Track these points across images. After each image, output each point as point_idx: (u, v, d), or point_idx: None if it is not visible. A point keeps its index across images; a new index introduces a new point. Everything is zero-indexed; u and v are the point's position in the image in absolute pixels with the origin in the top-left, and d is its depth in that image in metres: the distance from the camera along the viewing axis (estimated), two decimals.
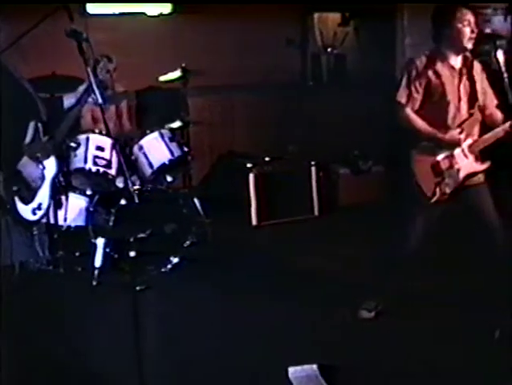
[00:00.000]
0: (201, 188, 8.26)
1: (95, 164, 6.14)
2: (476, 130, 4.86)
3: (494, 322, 4.76)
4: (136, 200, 3.84)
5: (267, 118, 9.03)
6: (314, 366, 4.49)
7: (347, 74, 10.11)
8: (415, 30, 8.97)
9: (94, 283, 5.90)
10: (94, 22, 7.55)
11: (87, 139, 6.18)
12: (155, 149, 6.56)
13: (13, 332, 3.82)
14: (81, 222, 6.19)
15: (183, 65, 7.06)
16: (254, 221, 7.94)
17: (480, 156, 4.84)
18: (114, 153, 6.11)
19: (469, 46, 4.77)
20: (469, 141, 4.81)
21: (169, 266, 6.29)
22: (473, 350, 4.62)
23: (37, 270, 4.03)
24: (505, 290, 4.83)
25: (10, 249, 3.90)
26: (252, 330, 5.11)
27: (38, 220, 4.04)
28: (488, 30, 9.75)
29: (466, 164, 4.81)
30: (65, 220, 5.90)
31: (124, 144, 6.51)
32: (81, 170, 6.14)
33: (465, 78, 4.85)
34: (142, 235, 6.11)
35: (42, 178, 3.95)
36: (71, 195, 6.09)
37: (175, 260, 6.32)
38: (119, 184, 6.30)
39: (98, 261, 5.95)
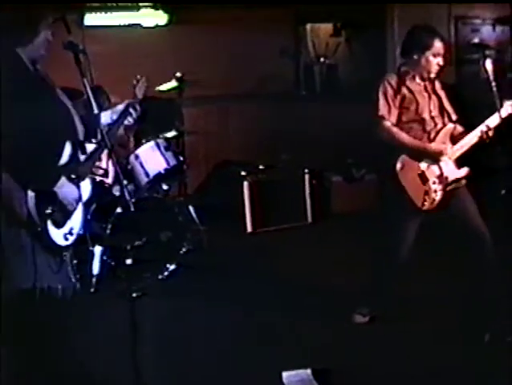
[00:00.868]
0: (196, 196, 8.31)
1: (91, 172, 6.19)
2: (451, 139, 4.97)
3: (485, 325, 4.84)
4: (132, 209, 3.74)
5: (261, 127, 9.09)
6: (308, 371, 4.53)
7: (339, 84, 10.20)
8: None
9: (92, 290, 5.95)
10: (91, 34, 7.64)
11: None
12: (151, 158, 6.63)
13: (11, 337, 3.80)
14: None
15: (178, 75, 7.14)
16: (249, 229, 8.02)
17: (458, 163, 4.94)
18: (110, 162, 6.16)
19: (433, 74, 4.95)
20: (448, 149, 4.92)
21: (166, 273, 6.35)
22: (466, 353, 4.69)
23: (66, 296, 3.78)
24: (495, 294, 4.92)
25: (34, 273, 3.64)
26: (247, 336, 5.19)
27: (69, 246, 3.72)
28: (476, 40, 9.86)
29: (448, 170, 4.90)
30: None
31: (121, 154, 6.58)
32: None
33: (431, 92, 5.01)
34: (138, 243, 6.22)
35: (79, 201, 3.69)
36: None
37: (171, 267, 6.38)
38: (116, 192, 6.37)
39: (95, 269, 6.00)
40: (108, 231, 6.08)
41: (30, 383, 3.74)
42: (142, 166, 6.58)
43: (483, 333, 4.80)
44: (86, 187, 3.76)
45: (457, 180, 4.95)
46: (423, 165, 4.92)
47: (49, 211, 3.52)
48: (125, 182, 6.24)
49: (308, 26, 10.04)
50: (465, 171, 4.95)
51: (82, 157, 3.74)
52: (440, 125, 4.98)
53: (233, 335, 5.20)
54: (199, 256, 6.83)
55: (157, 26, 8.63)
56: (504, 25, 10.62)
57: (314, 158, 8.66)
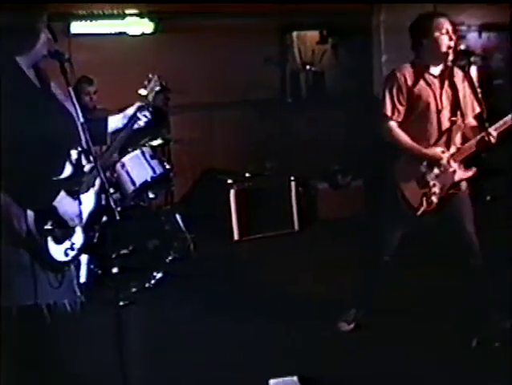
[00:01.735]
0: (182, 204, 8.32)
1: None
2: (459, 138, 4.85)
3: (473, 330, 4.86)
4: (118, 218, 3.62)
5: (247, 135, 9.10)
6: (295, 378, 4.52)
7: (325, 91, 10.22)
8: (391, 48, 9.11)
9: (82, 299, 5.93)
10: (77, 42, 7.63)
11: None
12: (137, 167, 6.63)
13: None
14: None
15: (163, 83, 7.12)
16: (236, 236, 8.03)
17: (463, 165, 4.85)
18: (97, 171, 6.15)
19: (449, 53, 4.71)
20: (453, 149, 4.81)
21: (153, 282, 6.35)
22: (454, 360, 4.70)
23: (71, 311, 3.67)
24: (484, 301, 4.96)
25: (34, 289, 3.51)
26: (234, 343, 5.18)
27: (70, 262, 3.54)
28: (462, 47, 9.90)
29: (451, 172, 4.81)
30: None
31: (107, 162, 6.57)
32: None
33: (446, 85, 4.81)
34: (125, 251, 6.21)
35: (80, 215, 3.49)
36: None
37: (158, 275, 6.38)
38: (102, 201, 6.36)
39: (82, 277, 6.00)
40: (95, 240, 6.07)
41: None
42: (128, 174, 6.57)
43: (471, 338, 4.81)
44: (89, 199, 3.61)
45: (458, 183, 4.87)
46: (422, 167, 4.82)
47: (49, 227, 3.39)
48: (112, 190, 6.31)
49: (294, 33, 10.06)
50: (469, 173, 4.87)
51: (87, 167, 3.56)
52: (448, 123, 4.80)
53: (221, 343, 5.20)
54: (186, 264, 6.85)
55: (143, 34, 8.63)
56: (490, 31, 10.69)
57: (300, 165, 8.70)
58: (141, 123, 3.91)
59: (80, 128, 3.51)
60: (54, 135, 3.42)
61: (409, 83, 4.79)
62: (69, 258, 3.51)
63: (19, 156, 3.24)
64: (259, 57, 9.16)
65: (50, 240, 3.41)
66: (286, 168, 8.61)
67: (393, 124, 4.83)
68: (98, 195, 3.65)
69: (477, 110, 4.86)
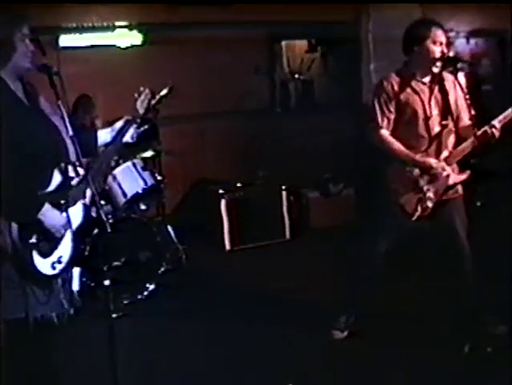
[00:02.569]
0: (174, 215, 8.31)
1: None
2: (451, 142, 4.84)
3: (466, 336, 4.86)
4: (109, 230, 3.59)
5: (237, 144, 9.13)
6: None
7: (314, 100, 10.25)
8: (380, 56, 9.14)
9: (71, 312, 5.93)
10: (66, 55, 7.64)
11: None
12: (128, 178, 6.63)
13: None
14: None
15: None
16: (228, 246, 8.04)
17: (458, 167, 4.87)
18: (88, 183, 6.15)
19: (437, 65, 4.75)
20: (445, 153, 4.81)
21: (145, 293, 6.34)
22: (446, 365, 4.70)
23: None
24: (475, 306, 4.98)
25: (25, 302, 3.50)
26: (227, 353, 5.18)
27: (57, 275, 3.51)
28: (451, 53, 9.94)
29: (445, 177, 4.79)
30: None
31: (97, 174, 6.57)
32: None
33: (436, 91, 4.83)
34: (117, 263, 6.21)
35: (67, 227, 3.46)
36: None
37: (151, 287, 6.37)
38: (93, 213, 6.35)
39: (74, 289, 5.98)
40: (86, 252, 6.05)
41: None
42: (119, 186, 6.57)
43: (464, 344, 4.80)
44: (77, 212, 3.58)
45: (453, 187, 4.87)
46: (417, 172, 4.82)
47: (33, 240, 3.37)
48: (103, 202, 6.31)
49: (283, 42, 10.09)
50: (464, 175, 4.87)
51: (74, 181, 3.55)
52: (438, 128, 4.82)
53: (214, 353, 5.20)
54: (178, 275, 6.84)
55: (132, 46, 8.64)
56: (477, 38, 10.75)
57: (291, 174, 8.70)
58: (129, 136, 3.86)
59: (69, 141, 3.50)
60: (40, 149, 3.42)
61: (397, 91, 4.80)
62: (56, 272, 3.49)
63: (4, 169, 3.24)
64: (248, 67, 9.18)
65: (35, 253, 3.39)
66: (277, 177, 8.61)
67: (385, 133, 4.85)
68: (85, 208, 3.62)
69: (473, 112, 4.81)
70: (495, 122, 4.63)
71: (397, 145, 4.82)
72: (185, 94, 7.37)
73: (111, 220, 6.08)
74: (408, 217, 4.85)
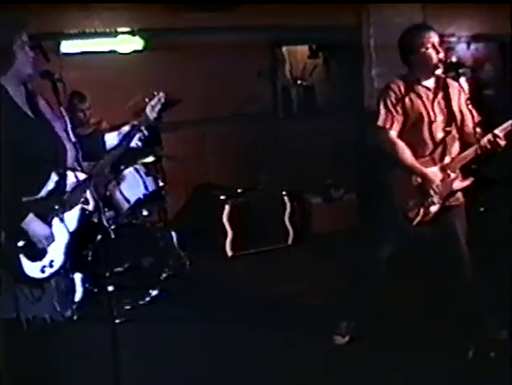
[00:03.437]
0: (176, 221, 8.30)
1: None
2: (454, 148, 4.83)
3: (469, 341, 4.86)
4: (112, 236, 3.63)
5: (239, 150, 9.12)
6: None
7: (316, 105, 10.26)
8: (382, 61, 9.14)
9: (74, 317, 5.93)
10: (68, 61, 7.65)
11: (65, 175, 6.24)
12: (130, 184, 6.64)
13: None
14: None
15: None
16: (230, 252, 8.03)
17: (461, 174, 4.85)
18: (91, 189, 6.15)
19: (439, 67, 4.72)
20: (448, 159, 4.81)
21: (148, 299, 6.34)
22: (449, 370, 4.71)
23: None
24: (478, 312, 4.96)
25: (15, 303, 3.53)
26: (230, 359, 5.17)
27: (48, 278, 3.49)
28: (452, 59, 9.94)
29: (447, 182, 4.79)
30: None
31: (101, 180, 6.59)
32: None
33: (440, 97, 4.81)
34: (120, 269, 6.22)
35: (50, 240, 3.43)
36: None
37: (153, 293, 6.37)
38: (95, 219, 6.36)
39: (77, 296, 6.00)
40: (90, 258, 6.07)
41: None
42: (122, 192, 6.58)
43: (467, 349, 4.81)
44: (73, 217, 3.57)
45: (455, 192, 4.87)
46: (418, 177, 4.80)
47: (21, 244, 3.36)
48: (105, 209, 6.31)
49: (285, 48, 10.10)
50: (466, 182, 4.86)
51: (70, 186, 3.55)
52: (441, 133, 4.82)
53: (217, 359, 5.19)
54: (181, 281, 6.84)
55: (134, 51, 8.65)
56: (479, 42, 10.76)
57: (293, 180, 8.70)
58: (136, 141, 3.85)
59: (70, 146, 3.53)
60: (39, 154, 3.42)
61: (403, 95, 4.79)
62: (46, 275, 3.47)
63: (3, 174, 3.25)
64: (250, 72, 9.18)
65: (23, 257, 3.38)
66: (279, 182, 8.62)
67: (393, 134, 4.81)
68: (82, 213, 3.61)
69: (477, 118, 4.83)
70: (498, 131, 4.63)
71: (403, 148, 4.78)
72: (187, 99, 7.39)
73: (113, 226, 6.09)
74: (409, 222, 4.84)
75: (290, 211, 8.33)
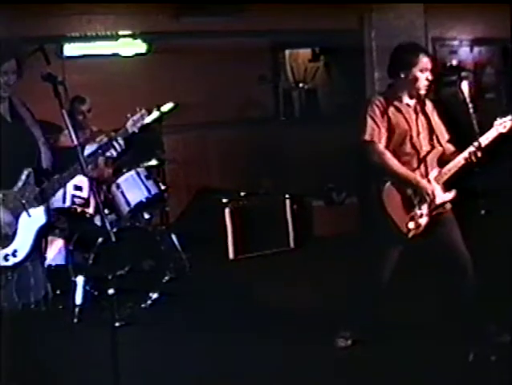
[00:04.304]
0: (178, 224, 8.32)
1: (73, 203, 6.20)
2: (439, 162, 4.93)
3: (468, 346, 4.81)
4: (114, 239, 3.71)
5: (241, 153, 9.13)
6: None
7: (318, 109, 10.27)
8: (384, 65, 9.11)
9: (75, 320, 5.94)
10: (70, 64, 7.66)
11: None
12: (132, 187, 6.65)
13: None
14: (61, 261, 6.25)
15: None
16: (231, 255, 8.03)
17: (445, 187, 4.92)
18: (92, 192, 6.17)
19: (423, 91, 4.85)
20: (435, 173, 4.89)
21: (149, 302, 6.33)
22: (451, 373, 4.69)
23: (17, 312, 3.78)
24: (478, 317, 4.97)
25: None
26: (230, 363, 5.16)
27: (12, 267, 3.70)
28: (454, 62, 9.95)
29: (435, 195, 4.85)
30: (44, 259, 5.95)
31: (102, 183, 6.60)
32: (60, 209, 6.18)
33: (420, 114, 4.93)
34: (121, 272, 6.22)
35: (14, 226, 3.68)
36: (50, 234, 6.14)
37: (154, 296, 6.36)
38: (98, 222, 6.38)
39: (78, 299, 6.00)
40: (91, 261, 6.08)
41: None
42: (123, 195, 6.59)
43: (468, 352, 4.79)
44: (39, 214, 3.79)
45: (443, 204, 4.94)
46: (409, 190, 4.86)
47: None
48: (106, 212, 6.32)
49: (287, 51, 10.11)
50: (451, 194, 4.93)
51: (42, 184, 3.78)
52: (426, 148, 4.90)
53: (217, 363, 5.17)
54: (182, 284, 6.84)
55: (136, 55, 8.66)
56: (481, 46, 10.75)
57: (295, 183, 8.72)
58: (113, 152, 3.98)
59: (46, 150, 3.84)
60: (13, 154, 3.64)
61: (387, 110, 4.84)
62: (8, 264, 3.69)
63: None
64: (252, 76, 9.20)
65: None
66: (281, 186, 8.63)
67: (382, 148, 4.84)
68: (47, 212, 3.83)
69: (447, 137, 5.01)
70: (480, 141, 4.72)
71: (392, 158, 4.83)
72: (189, 103, 7.42)
73: (114, 229, 6.09)
74: (404, 235, 4.87)
75: (291, 214, 8.33)
